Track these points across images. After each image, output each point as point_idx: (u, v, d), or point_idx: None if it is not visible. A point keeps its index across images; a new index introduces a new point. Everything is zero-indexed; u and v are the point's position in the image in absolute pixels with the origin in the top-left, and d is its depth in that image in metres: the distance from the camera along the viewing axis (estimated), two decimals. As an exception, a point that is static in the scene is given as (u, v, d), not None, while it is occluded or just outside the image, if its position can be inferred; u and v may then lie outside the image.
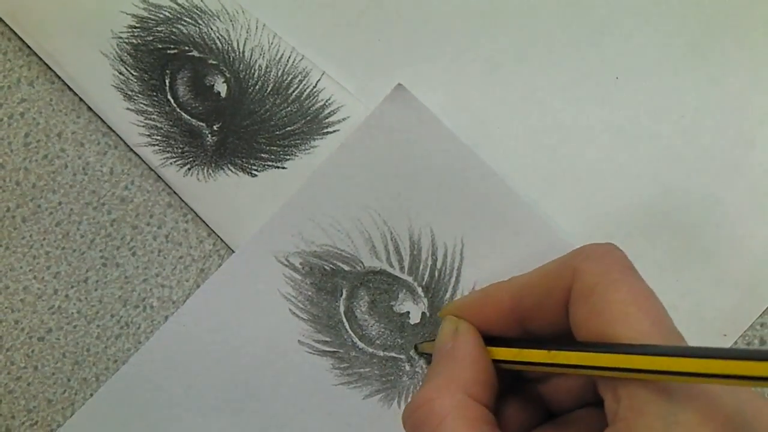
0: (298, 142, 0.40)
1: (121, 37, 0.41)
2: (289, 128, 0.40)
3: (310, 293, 0.38)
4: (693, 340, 0.36)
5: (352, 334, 0.38)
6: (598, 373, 0.24)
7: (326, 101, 0.40)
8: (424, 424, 0.26)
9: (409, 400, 0.27)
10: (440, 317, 0.31)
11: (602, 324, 0.24)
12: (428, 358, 0.37)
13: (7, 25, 0.42)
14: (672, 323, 0.25)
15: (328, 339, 0.38)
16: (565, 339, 0.26)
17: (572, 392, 0.29)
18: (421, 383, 0.37)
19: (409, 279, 0.38)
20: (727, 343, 0.37)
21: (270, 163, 0.40)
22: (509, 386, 0.30)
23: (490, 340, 0.29)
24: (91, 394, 0.39)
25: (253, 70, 0.40)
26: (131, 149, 0.41)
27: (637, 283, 0.25)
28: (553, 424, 0.29)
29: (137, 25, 0.41)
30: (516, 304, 0.28)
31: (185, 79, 0.40)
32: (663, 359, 0.22)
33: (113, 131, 0.41)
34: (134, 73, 0.41)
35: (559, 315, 0.26)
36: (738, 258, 0.37)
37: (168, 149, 0.40)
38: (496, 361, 0.28)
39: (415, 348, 0.38)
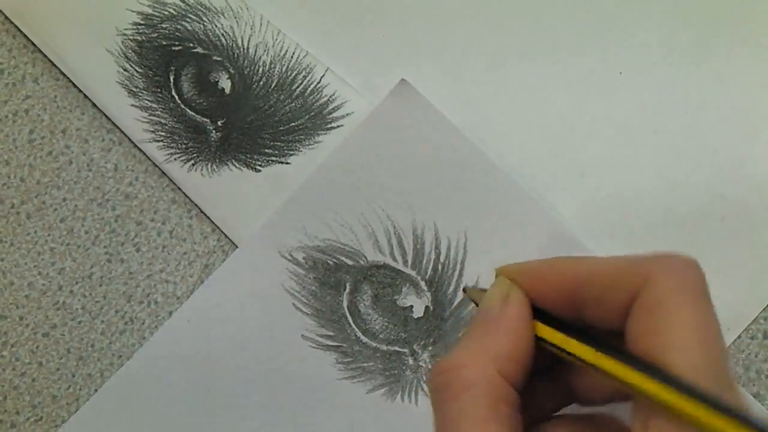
0: (302, 137, 0.40)
1: (125, 34, 0.41)
2: (293, 124, 0.40)
3: (313, 288, 0.39)
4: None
5: (356, 329, 0.38)
6: (635, 391, 0.23)
7: (330, 97, 0.40)
8: (446, 389, 0.25)
9: (440, 359, 0.26)
10: (495, 273, 0.29)
11: (658, 344, 0.23)
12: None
13: (12, 22, 0.42)
14: (727, 366, 0.23)
15: (331, 333, 0.38)
16: (614, 340, 0.25)
17: (603, 390, 0.28)
18: (424, 378, 0.37)
19: (413, 273, 0.38)
20: (730, 337, 0.37)
21: (274, 159, 0.40)
22: (540, 363, 0.28)
23: (538, 312, 0.27)
24: (96, 390, 0.39)
25: (257, 67, 0.40)
26: (136, 145, 0.41)
27: (707, 313, 0.24)
28: (575, 419, 0.28)
29: (142, 22, 0.41)
30: (578, 287, 0.26)
31: (190, 75, 0.41)
32: (701, 406, 0.21)
33: (118, 128, 0.41)
34: (139, 70, 0.41)
35: (617, 315, 0.25)
36: (742, 252, 0.37)
37: (172, 145, 0.40)
38: (538, 338, 0.27)
39: (464, 290, 0.36)
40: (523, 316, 0.27)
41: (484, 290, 0.29)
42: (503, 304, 0.27)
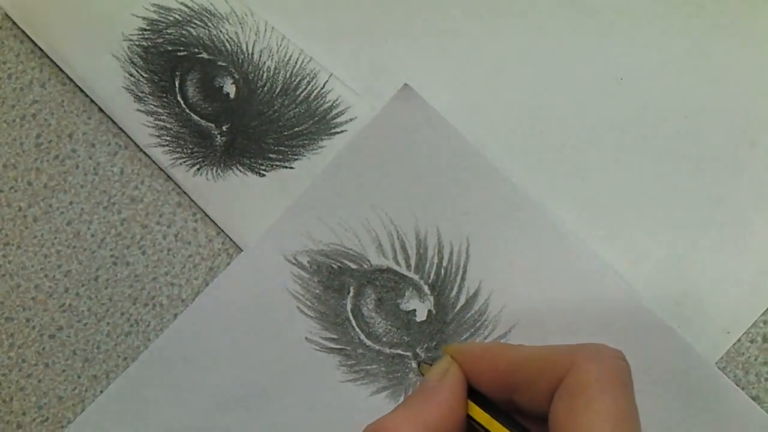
0: (306, 142, 0.40)
1: (131, 40, 0.41)
2: (297, 129, 0.40)
3: (317, 291, 0.39)
4: (696, 338, 0.37)
5: (359, 332, 0.39)
6: None
7: (334, 102, 0.40)
8: None
9: (374, 421, 0.28)
10: (443, 352, 0.32)
11: (576, 427, 0.24)
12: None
13: (19, 27, 0.43)
14: None
15: (335, 336, 0.39)
16: (541, 423, 0.27)
17: None
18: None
19: (416, 277, 0.38)
20: (730, 341, 0.37)
21: (278, 163, 0.40)
22: None
23: (474, 393, 0.29)
24: (101, 391, 0.40)
25: (261, 72, 0.41)
26: (141, 150, 0.41)
27: (625, 403, 0.25)
28: None
29: (148, 27, 0.41)
30: (510, 372, 0.28)
31: (195, 80, 0.41)
32: None
33: (124, 132, 0.42)
34: (145, 75, 0.41)
35: (544, 399, 0.27)
36: (741, 256, 0.37)
37: (178, 150, 0.41)
38: (469, 416, 0.29)
39: (418, 365, 0.38)
40: (456, 391, 0.29)
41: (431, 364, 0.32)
42: (441, 378, 0.29)
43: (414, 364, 0.38)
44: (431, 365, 0.31)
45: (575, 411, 0.25)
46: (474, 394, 0.29)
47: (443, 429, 0.27)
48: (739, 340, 0.37)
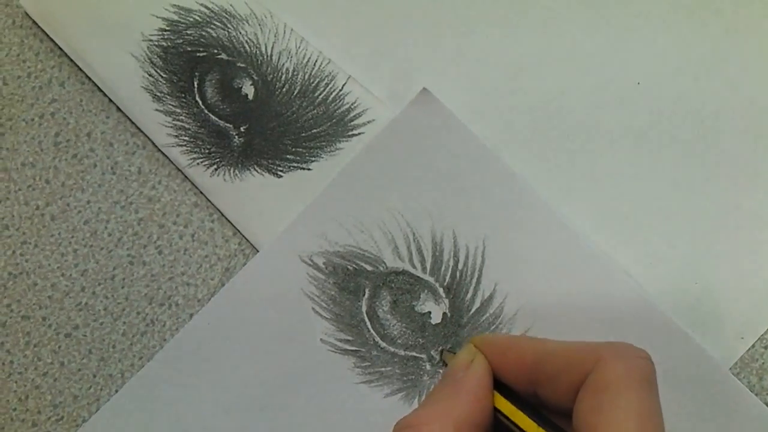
0: (323, 144, 0.40)
1: (151, 40, 0.42)
2: (314, 130, 0.40)
3: (333, 293, 0.39)
4: (711, 343, 0.37)
5: (374, 334, 0.39)
6: None
7: (352, 104, 0.40)
8: None
9: (405, 416, 0.28)
10: (468, 339, 0.32)
11: (600, 423, 0.24)
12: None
13: (39, 27, 0.43)
14: None
15: (350, 338, 0.39)
16: (564, 418, 0.27)
17: None
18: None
19: (431, 279, 0.39)
20: (744, 346, 0.37)
21: (295, 165, 0.40)
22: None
23: (499, 385, 0.29)
24: (116, 390, 0.40)
25: (280, 74, 0.41)
26: (159, 149, 0.41)
27: (650, 401, 0.25)
28: None
29: (167, 28, 0.42)
30: (536, 365, 0.28)
31: (213, 81, 0.41)
32: None
33: (142, 132, 0.42)
34: (163, 75, 0.42)
35: (568, 394, 0.27)
36: (756, 262, 0.38)
37: (195, 150, 0.41)
38: (495, 409, 0.29)
39: (441, 353, 0.38)
40: (483, 382, 0.29)
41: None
42: (467, 368, 0.29)
43: (434, 354, 0.38)
44: (455, 353, 0.31)
45: (600, 407, 0.25)
46: (499, 386, 0.29)
47: (473, 422, 0.27)
48: (753, 345, 0.37)
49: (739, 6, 0.39)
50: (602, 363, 0.26)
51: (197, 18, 0.42)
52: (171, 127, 0.41)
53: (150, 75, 0.42)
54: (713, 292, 0.38)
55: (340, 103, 0.40)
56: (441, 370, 0.38)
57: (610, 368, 0.26)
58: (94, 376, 0.40)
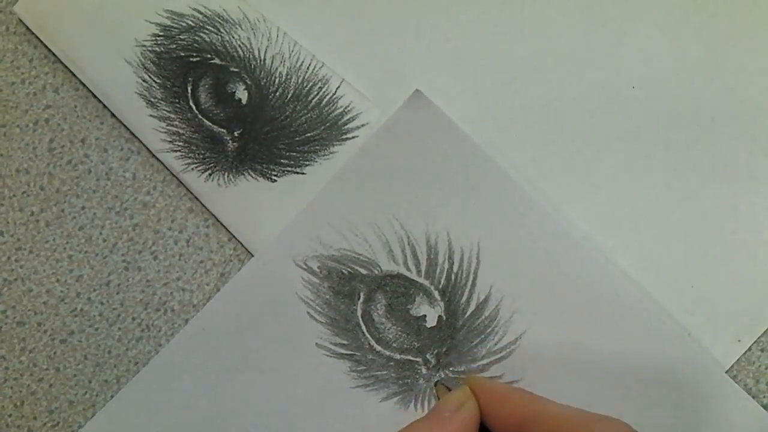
0: (317, 148, 0.40)
1: (144, 45, 0.42)
2: (308, 134, 0.40)
3: (327, 297, 0.39)
4: (707, 345, 0.37)
5: (369, 337, 0.39)
6: None
7: (345, 108, 0.40)
8: None
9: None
10: (464, 382, 0.32)
11: None
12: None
13: (33, 33, 0.43)
14: None
15: (345, 342, 0.39)
16: None
17: None
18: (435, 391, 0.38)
19: (426, 282, 0.39)
20: (741, 349, 0.37)
21: (289, 169, 0.40)
22: None
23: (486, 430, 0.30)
24: (112, 396, 0.40)
25: (273, 78, 0.41)
26: (154, 155, 0.41)
27: None
28: None
29: (161, 33, 0.42)
30: (525, 424, 0.29)
31: (207, 86, 0.41)
32: None
33: (136, 137, 0.42)
34: (157, 81, 0.42)
35: None
36: (753, 265, 0.37)
37: (190, 155, 0.41)
38: None
39: (435, 384, 0.38)
40: (468, 427, 0.30)
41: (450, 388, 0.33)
42: (456, 411, 0.30)
43: (424, 377, 0.38)
44: (449, 389, 0.31)
45: None
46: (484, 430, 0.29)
47: None
48: (750, 348, 0.37)
49: (734, 10, 0.39)
50: None
51: (190, 23, 0.42)
52: (165, 132, 0.41)
53: (144, 80, 0.42)
54: (710, 294, 0.37)
55: (334, 106, 0.40)
56: (435, 378, 0.38)
57: None
58: (90, 382, 0.40)
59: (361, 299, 0.39)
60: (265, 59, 0.41)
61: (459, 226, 0.39)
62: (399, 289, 0.39)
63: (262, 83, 0.41)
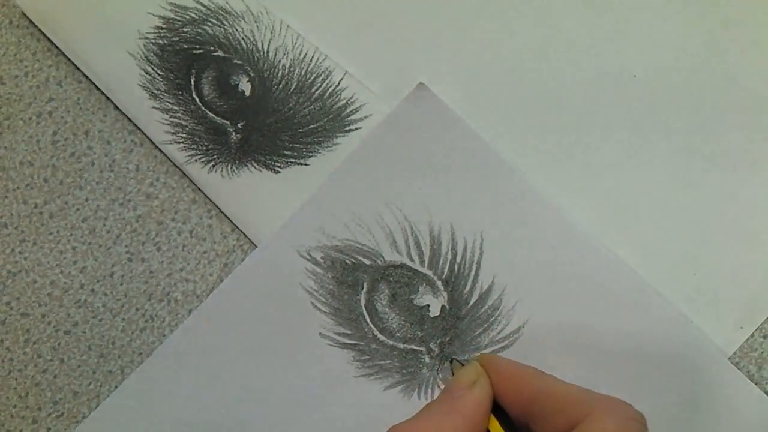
0: (320, 139, 0.40)
1: (147, 38, 0.42)
2: (311, 126, 0.40)
3: (331, 287, 0.39)
4: (710, 333, 0.37)
5: (373, 327, 0.39)
6: None
7: (348, 100, 0.40)
8: None
9: (400, 424, 0.28)
10: (477, 357, 0.32)
11: None
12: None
13: (36, 26, 0.43)
14: None
15: (349, 332, 0.39)
16: None
17: None
18: (440, 376, 0.38)
19: (429, 273, 0.39)
20: (743, 336, 0.37)
21: (293, 160, 0.40)
22: None
23: (499, 410, 0.30)
24: (116, 386, 0.40)
25: (277, 70, 0.41)
26: (157, 147, 0.42)
27: None
28: None
29: (164, 26, 0.42)
30: (532, 400, 0.29)
31: (210, 78, 0.41)
32: None
33: (139, 129, 0.42)
34: (160, 73, 0.42)
35: None
36: (754, 252, 0.38)
37: (193, 147, 0.41)
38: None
39: (451, 361, 0.38)
40: (482, 405, 0.29)
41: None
42: (469, 389, 0.30)
43: (428, 366, 0.38)
44: (463, 365, 0.32)
45: None
46: (497, 409, 0.30)
47: None
48: (752, 335, 0.37)
49: (733, -3, 0.40)
50: (593, 417, 0.26)
51: (193, 15, 0.42)
52: (168, 124, 0.41)
53: (147, 73, 0.42)
54: (712, 282, 0.38)
55: (337, 98, 0.41)
56: (440, 375, 0.38)
57: (600, 421, 0.26)
58: (94, 373, 0.40)
59: (365, 289, 0.39)
60: (268, 51, 0.41)
61: (462, 216, 0.39)
62: (402, 279, 0.39)
63: (266, 75, 0.41)
